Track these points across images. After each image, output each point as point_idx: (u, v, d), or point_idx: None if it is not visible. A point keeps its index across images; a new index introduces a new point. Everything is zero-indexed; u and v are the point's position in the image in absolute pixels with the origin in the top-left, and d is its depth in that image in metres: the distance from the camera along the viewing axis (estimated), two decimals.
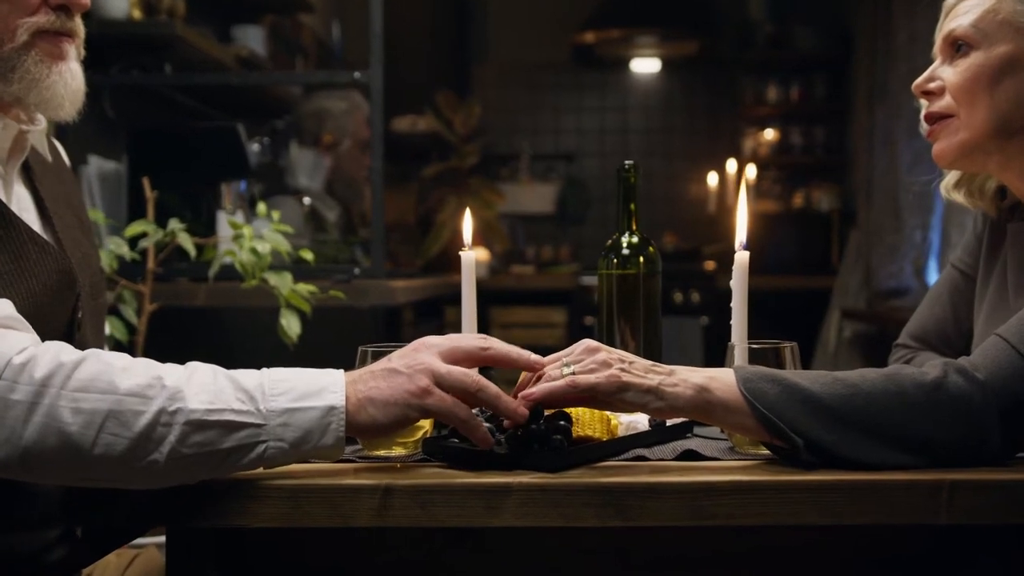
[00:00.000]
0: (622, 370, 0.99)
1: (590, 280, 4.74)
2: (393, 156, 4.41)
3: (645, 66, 5.53)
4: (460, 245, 1.23)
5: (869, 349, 4.05)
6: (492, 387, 0.97)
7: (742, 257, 1.20)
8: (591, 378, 0.98)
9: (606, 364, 1.00)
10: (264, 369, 0.96)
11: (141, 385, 0.89)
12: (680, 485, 0.93)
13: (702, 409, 0.99)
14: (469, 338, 1.01)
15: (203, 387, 0.90)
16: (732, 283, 1.20)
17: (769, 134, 5.30)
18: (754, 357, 1.10)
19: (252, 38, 2.97)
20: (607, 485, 0.93)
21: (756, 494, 0.93)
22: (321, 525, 0.93)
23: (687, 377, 1.00)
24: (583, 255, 5.27)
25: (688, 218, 5.44)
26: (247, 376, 0.93)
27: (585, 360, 1.01)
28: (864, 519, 0.93)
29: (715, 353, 4.60)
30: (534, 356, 1.02)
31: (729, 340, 1.14)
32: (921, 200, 3.66)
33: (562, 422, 1.02)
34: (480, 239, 4.80)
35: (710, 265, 4.95)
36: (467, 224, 1.24)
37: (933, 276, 3.62)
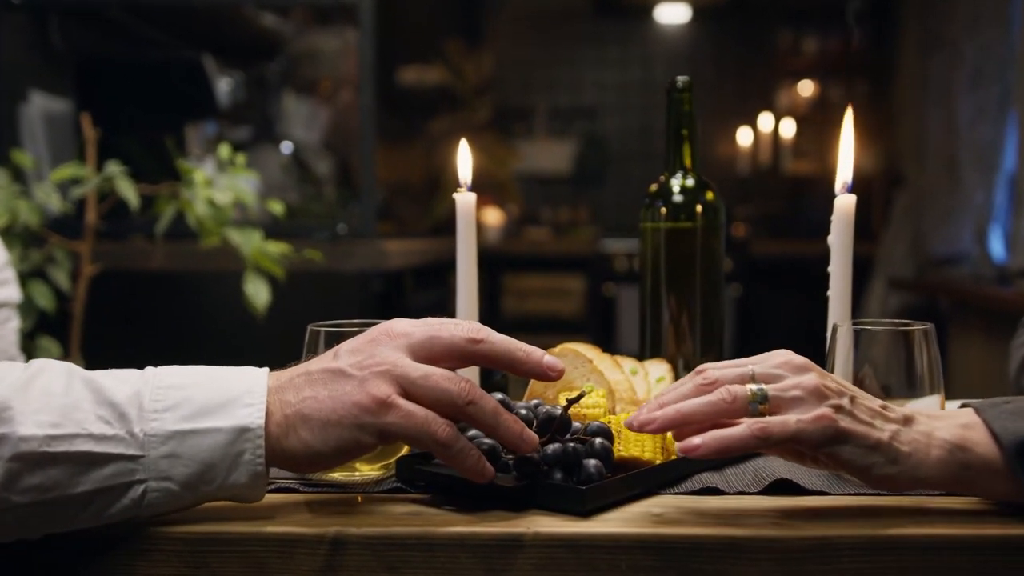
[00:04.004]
0: (838, 408, 0.66)
1: (610, 245, 4.51)
2: (398, 110, 4.12)
3: (672, 14, 5.30)
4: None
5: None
6: (489, 400, 0.67)
7: (846, 203, 0.89)
8: (792, 423, 0.65)
9: (819, 395, 0.66)
10: (149, 369, 0.66)
11: None
12: (777, 540, 0.65)
13: (957, 479, 0.67)
14: (453, 325, 0.69)
15: (46, 401, 0.63)
16: (831, 239, 0.90)
17: (806, 88, 4.98)
18: (869, 343, 0.79)
19: None
20: (666, 538, 0.65)
21: (896, 553, 0.64)
22: None
23: (932, 428, 0.67)
24: (602, 218, 5.04)
25: (717, 177, 5.11)
26: (121, 383, 0.65)
27: (785, 380, 0.68)
28: None
29: (748, 329, 4.36)
30: (548, 358, 0.69)
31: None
32: (983, 157, 3.31)
33: (599, 439, 0.71)
34: (493, 200, 4.57)
35: (740, 229, 4.69)
36: (463, 158, 0.93)
37: (997, 242, 3.26)
